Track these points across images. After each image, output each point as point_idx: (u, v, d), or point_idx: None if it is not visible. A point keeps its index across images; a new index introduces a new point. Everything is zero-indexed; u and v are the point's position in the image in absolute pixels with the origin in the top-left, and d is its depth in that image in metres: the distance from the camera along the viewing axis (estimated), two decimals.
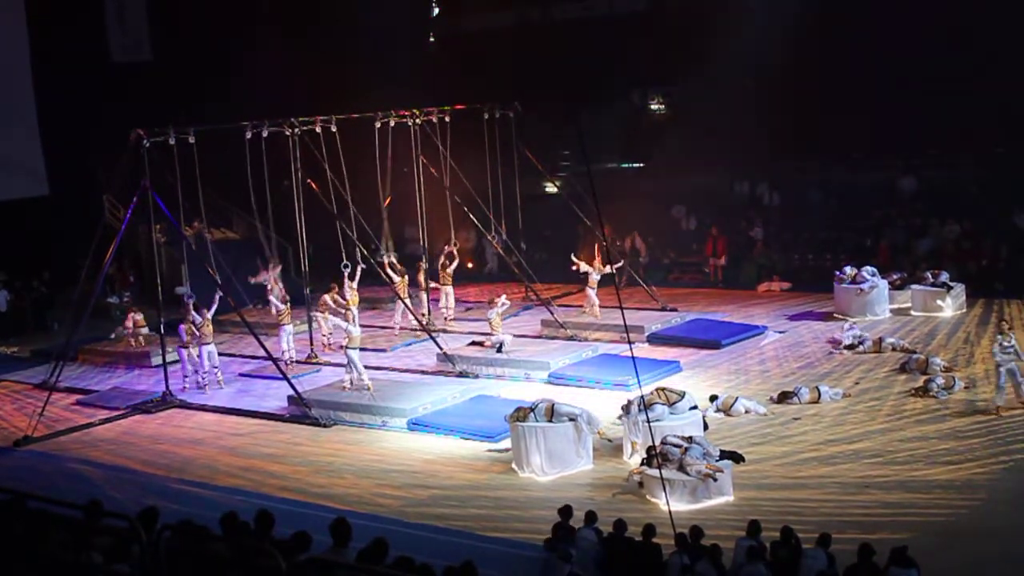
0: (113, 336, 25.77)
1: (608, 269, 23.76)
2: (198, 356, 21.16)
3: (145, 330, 24.49)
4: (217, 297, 21.37)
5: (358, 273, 22.68)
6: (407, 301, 24.08)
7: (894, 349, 20.66)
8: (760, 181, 32.31)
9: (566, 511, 11.89)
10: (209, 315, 21.13)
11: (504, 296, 22.14)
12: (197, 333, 20.98)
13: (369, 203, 24.24)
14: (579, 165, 32.28)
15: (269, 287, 22.93)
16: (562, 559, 10.88)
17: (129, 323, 24.66)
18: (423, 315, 24.78)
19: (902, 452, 15.32)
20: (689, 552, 10.66)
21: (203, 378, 21.16)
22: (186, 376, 21.27)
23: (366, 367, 22.00)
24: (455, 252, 25.43)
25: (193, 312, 21.11)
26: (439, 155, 24.88)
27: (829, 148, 29.00)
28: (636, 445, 15.47)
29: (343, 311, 21.85)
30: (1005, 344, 16.87)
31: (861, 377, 19.15)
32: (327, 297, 23.27)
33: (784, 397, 17.94)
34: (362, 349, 23.60)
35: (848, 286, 24.14)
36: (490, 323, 21.66)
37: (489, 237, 26.24)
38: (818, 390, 17.90)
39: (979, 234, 28.05)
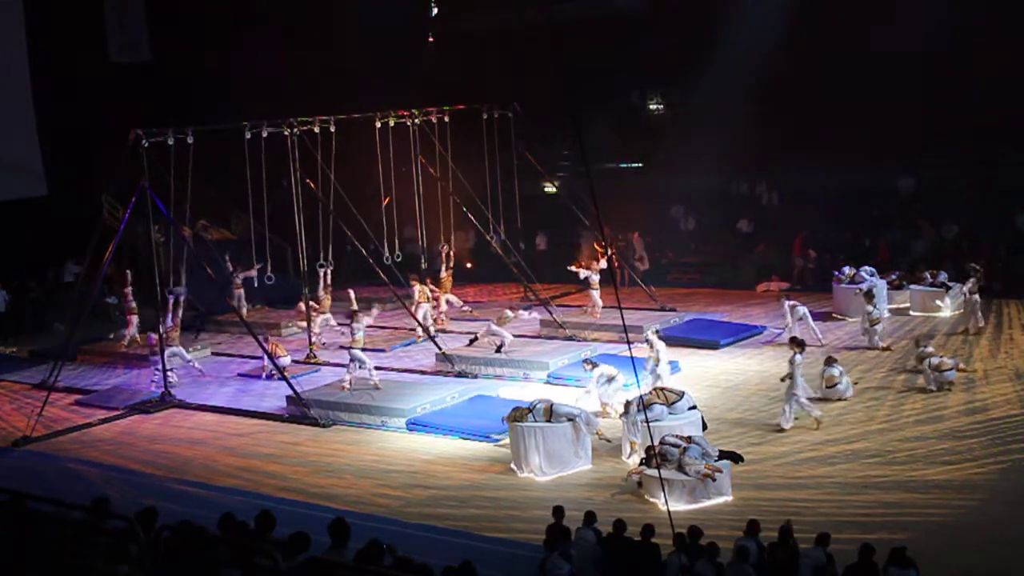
0: (113, 336, 25.78)
1: (603, 263, 23.89)
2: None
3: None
4: (171, 300, 21.57)
5: (328, 275, 22.98)
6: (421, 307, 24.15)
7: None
8: (759, 181, 32.33)
9: (558, 511, 11.88)
10: (172, 322, 21.49)
11: (527, 310, 21.39)
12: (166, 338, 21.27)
13: (368, 203, 24.24)
14: (578, 165, 32.31)
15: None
16: (562, 559, 10.88)
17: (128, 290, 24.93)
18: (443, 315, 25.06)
19: (901, 452, 15.33)
20: (688, 552, 10.67)
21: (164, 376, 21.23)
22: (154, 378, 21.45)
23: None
24: (448, 255, 25.54)
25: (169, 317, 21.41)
26: (438, 155, 24.88)
27: (828, 148, 29.02)
28: (635, 445, 15.48)
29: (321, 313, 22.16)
30: (796, 360, 17.08)
31: (860, 377, 19.15)
32: (302, 305, 23.40)
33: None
34: (362, 349, 23.75)
35: (847, 286, 24.15)
36: (497, 320, 21.59)
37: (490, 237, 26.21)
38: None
39: (978, 234, 28.08)
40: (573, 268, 24.76)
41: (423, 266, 25.60)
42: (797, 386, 16.74)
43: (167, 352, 21.10)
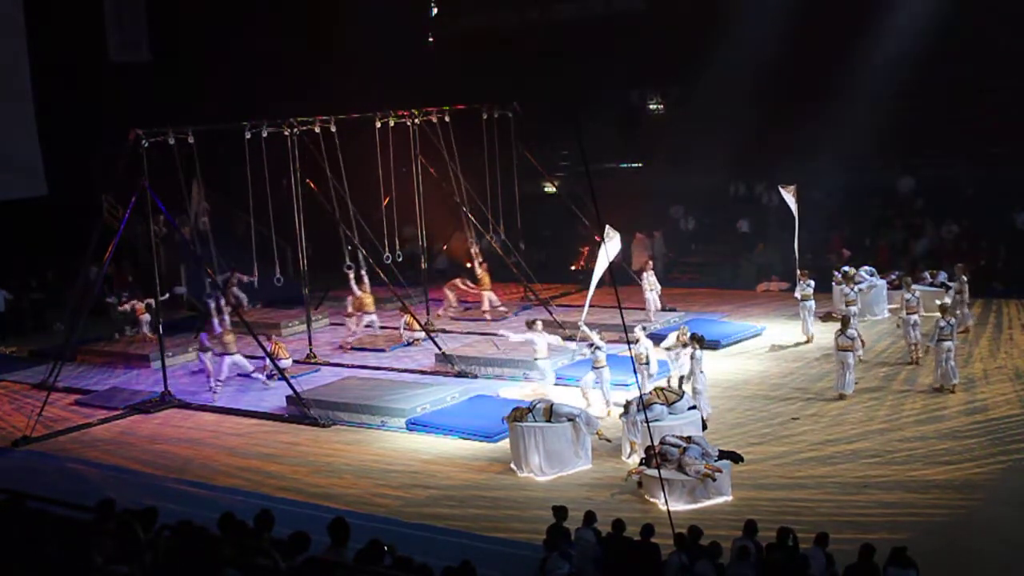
0: (117, 336, 25.82)
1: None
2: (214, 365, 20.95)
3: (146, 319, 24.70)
4: (213, 304, 21.69)
5: (360, 275, 23.08)
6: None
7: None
8: (758, 181, 32.32)
9: (560, 511, 11.84)
10: (215, 322, 21.39)
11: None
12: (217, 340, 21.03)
13: (368, 203, 24.24)
14: (577, 165, 32.30)
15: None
16: (562, 559, 10.88)
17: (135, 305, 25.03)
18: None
19: (901, 452, 15.34)
20: (688, 552, 10.66)
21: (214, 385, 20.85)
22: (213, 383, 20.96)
23: (363, 367, 22.02)
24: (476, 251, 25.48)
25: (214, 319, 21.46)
26: (438, 155, 24.88)
27: (828, 148, 29.01)
28: (635, 445, 15.49)
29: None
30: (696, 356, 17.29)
31: (860, 377, 19.12)
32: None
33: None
34: (361, 349, 23.75)
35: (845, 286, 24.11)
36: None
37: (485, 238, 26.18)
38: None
39: (977, 234, 28.08)
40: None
41: (423, 265, 25.60)
42: (699, 381, 17.00)
43: (226, 361, 20.88)
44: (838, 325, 19.04)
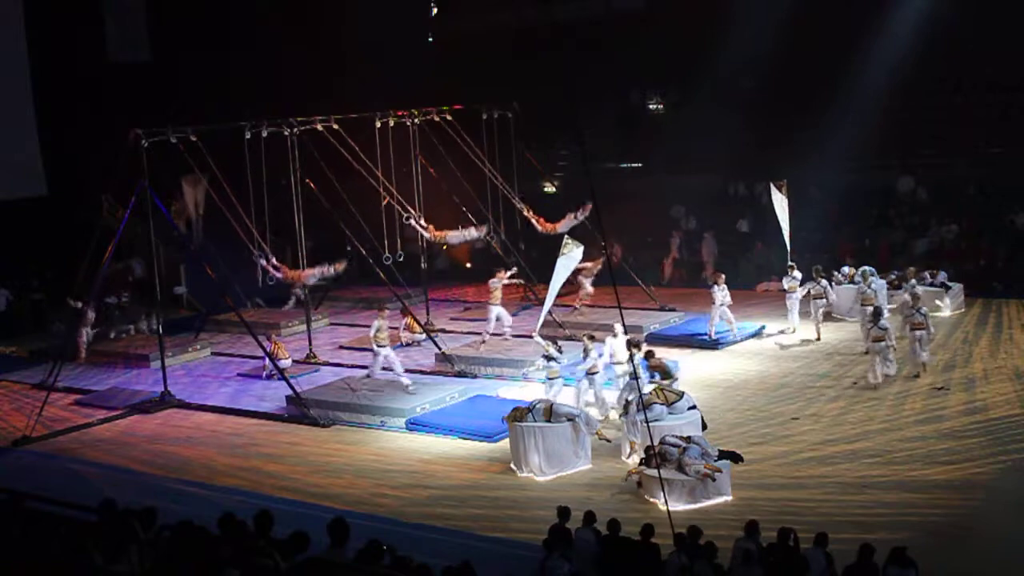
0: (113, 336, 25.81)
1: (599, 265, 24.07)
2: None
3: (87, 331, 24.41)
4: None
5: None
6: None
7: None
8: (758, 181, 32.34)
9: (563, 512, 11.83)
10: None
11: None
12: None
13: (367, 203, 24.24)
14: (578, 165, 32.31)
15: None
16: (562, 559, 10.87)
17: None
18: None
19: (901, 452, 15.34)
20: (688, 552, 10.66)
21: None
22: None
23: (362, 367, 22.00)
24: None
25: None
26: (438, 155, 24.87)
27: (828, 148, 29.03)
28: (634, 445, 15.49)
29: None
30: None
31: (860, 377, 19.13)
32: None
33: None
34: (361, 349, 23.73)
35: (846, 286, 24.13)
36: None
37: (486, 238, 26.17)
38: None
39: (977, 234, 28.08)
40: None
41: (423, 265, 25.56)
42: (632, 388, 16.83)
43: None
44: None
